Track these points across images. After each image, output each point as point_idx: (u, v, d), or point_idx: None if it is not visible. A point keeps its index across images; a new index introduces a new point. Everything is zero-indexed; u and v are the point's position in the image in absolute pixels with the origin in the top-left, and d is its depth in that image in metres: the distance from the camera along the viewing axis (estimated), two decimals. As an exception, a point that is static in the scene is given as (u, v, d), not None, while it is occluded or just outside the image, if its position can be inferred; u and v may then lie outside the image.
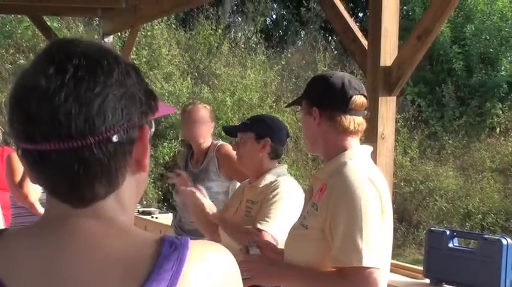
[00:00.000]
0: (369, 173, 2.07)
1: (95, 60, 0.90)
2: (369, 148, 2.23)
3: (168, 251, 0.89)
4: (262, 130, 2.96)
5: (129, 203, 0.97)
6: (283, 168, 3.03)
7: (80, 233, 0.91)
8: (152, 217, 5.98)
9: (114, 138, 0.89)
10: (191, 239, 0.93)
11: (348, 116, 2.13)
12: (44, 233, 0.93)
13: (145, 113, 0.95)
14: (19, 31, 12.99)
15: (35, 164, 0.90)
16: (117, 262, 0.89)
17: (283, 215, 2.76)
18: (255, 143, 2.96)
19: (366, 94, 2.19)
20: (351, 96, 2.13)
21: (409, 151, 12.71)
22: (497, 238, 3.33)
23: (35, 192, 3.55)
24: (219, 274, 0.91)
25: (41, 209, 3.55)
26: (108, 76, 0.90)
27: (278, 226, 2.73)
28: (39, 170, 0.91)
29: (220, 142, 4.02)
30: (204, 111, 4.04)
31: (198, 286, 0.88)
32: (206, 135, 4.05)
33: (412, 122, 13.11)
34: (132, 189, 0.97)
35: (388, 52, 3.44)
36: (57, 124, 0.87)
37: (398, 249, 10.34)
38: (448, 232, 3.51)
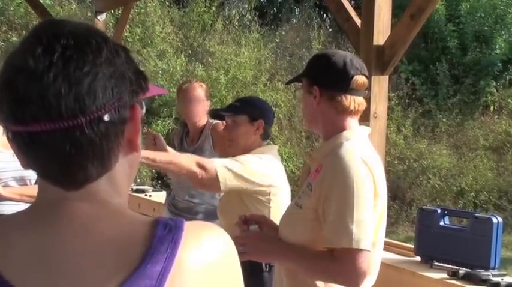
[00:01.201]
0: (364, 155, 2.07)
1: (83, 40, 0.89)
2: (366, 129, 2.24)
3: (162, 233, 0.89)
4: (255, 112, 2.98)
5: (122, 184, 0.96)
6: (266, 148, 3.04)
7: (73, 217, 0.91)
8: (146, 195, 6.00)
9: (105, 118, 0.88)
10: (186, 219, 0.93)
11: (349, 96, 2.13)
12: (38, 218, 0.93)
13: (136, 93, 0.94)
14: (11, 8, 12.89)
15: (26, 147, 0.89)
16: (112, 244, 0.89)
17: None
18: (249, 126, 2.97)
19: (367, 74, 2.19)
20: (352, 76, 2.13)
21: (403, 129, 12.73)
22: (487, 216, 3.36)
23: None
24: (214, 255, 0.91)
25: (0, 189, 3.48)
26: (96, 55, 0.89)
27: None
28: (29, 152, 0.90)
29: (216, 121, 4.02)
30: (200, 90, 4.04)
31: (194, 268, 0.88)
32: (201, 114, 4.06)
33: (406, 100, 13.10)
34: (125, 170, 0.96)
35: (381, 31, 3.44)
36: (46, 104, 0.85)
37: (391, 227, 10.41)
38: (439, 211, 3.53)
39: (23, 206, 3.43)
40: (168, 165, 2.78)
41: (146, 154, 2.68)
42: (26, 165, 0.92)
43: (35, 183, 3.56)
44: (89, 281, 0.86)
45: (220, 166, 2.75)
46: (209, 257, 0.90)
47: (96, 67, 0.88)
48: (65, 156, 0.88)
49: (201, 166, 2.73)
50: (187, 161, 2.78)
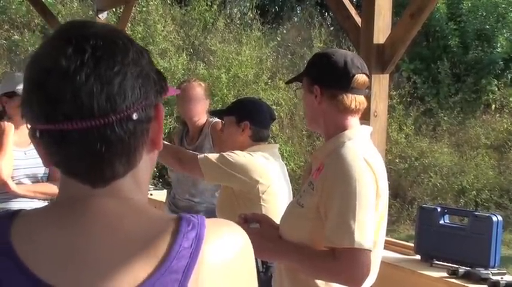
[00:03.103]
0: (367, 155, 2.07)
1: (111, 41, 0.92)
2: (368, 128, 2.24)
3: (186, 229, 0.92)
4: (241, 114, 3.00)
5: (144, 181, 1.00)
6: (263, 147, 3.06)
7: (100, 213, 0.93)
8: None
9: (134, 116, 0.91)
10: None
11: (350, 95, 2.13)
12: (64, 215, 0.95)
13: (160, 92, 0.97)
14: (13, 7, 12.90)
15: (55, 145, 0.91)
16: (138, 240, 0.91)
17: None
18: (235, 127, 3.00)
19: (367, 73, 2.19)
20: (353, 75, 2.13)
21: (404, 128, 12.71)
22: (487, 215, 3.36)
23: (7, 169, 3.49)
24: (235, 251, 0.94)
25: (14, 187, 3.51)
26: (124, 55, 0.92)
27: None
28: (59, 151, 0.91)
29: (215, 119, 4.01)
30: (199, 89, 4.04)
31: (216, 263, 0.91)
32: (201, 113, 4.06)
33: (408, 99, 13.10)
34: (147, 167, 1.00)
35: (382, 30, 3.43)
36: (79, 103, 0.88)
37: (392, 225, 10.40)
38: (439, 209, 3.54)
39: (36, 203, 3.48)
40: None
41: None
42: (51, 163, 0.94)
43: (47, 180, 3.59)
44: (116, 276, 0.89)
45: (207, 160, 2.89)
46: (230, 253, 0.94)
47: (124, 67, 0.91)
48: (96, 153, 0.90)
49: (179, 158, 3.00)
50: (170, 152, 3.06)
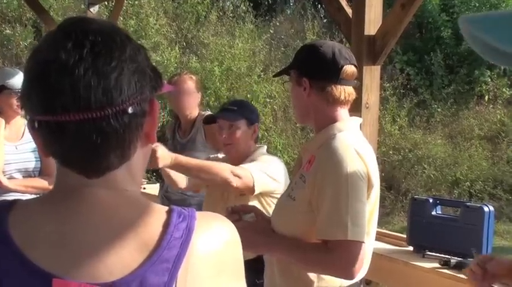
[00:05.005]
0: (358, 146, 2.07)
1: (109, 37, 0.95)
2: (358, 120, 2.23)
3: (177, 220, 0.97)
4: (251, 116, 3.02)
5: (138, 174, 1.03)
6: (263, 148, 3.11)
7: (95, 203, 0.97)
8: (140, 187, 5.99)
9: (130, 110, 0.94)
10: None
11: (339, 86, 2.12)
12: (60, 204, 0.98)
13: (155, 88, 1.01)
14: (4, 0, 12.83)
15: (53, 136, 0.94)
16: (131, 230, 0.95)
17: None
18: (247, 130, 3.00)
19: (356, 63, 2.18)
20: (342, 66, 2.12)
21: (398, 120, 12.73)
22: (479, 205, 3.36)
23: None
24: (222, 242, 0.99)
25: (5, 182, 3.48)
26: (122, 51, 0.95)
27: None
28: (56, 141, 0.95)
29: (207, 112, 4.01)
30: (190, 83, 4.03)
31: (205, 253, 0.96)
32: (193, 106, 4.05)
33: (401, 91, 13.11)
34: (140, 160, 1.03)
35: (372, 21, 3.44)
36: (77, 96, 0.91)
37: (386, 217, 10.42)
38: (431, 200, 3.53)
39: (28, 198, 3.45)
40: (199, 172, 2.80)
41: (178, 160, 2.70)
42: (48, 154, 0.97)
43: (39, 175, 3.58)
44: (110, 264, 0.92)
45: (255, 171, 2.83)
46: (218, 244, 0.98)
47: (121, 63, 0.94)
48: (91, 145, 0.93)
49: (236, 175, 2.79)
50: (221, 169, 2.81)
